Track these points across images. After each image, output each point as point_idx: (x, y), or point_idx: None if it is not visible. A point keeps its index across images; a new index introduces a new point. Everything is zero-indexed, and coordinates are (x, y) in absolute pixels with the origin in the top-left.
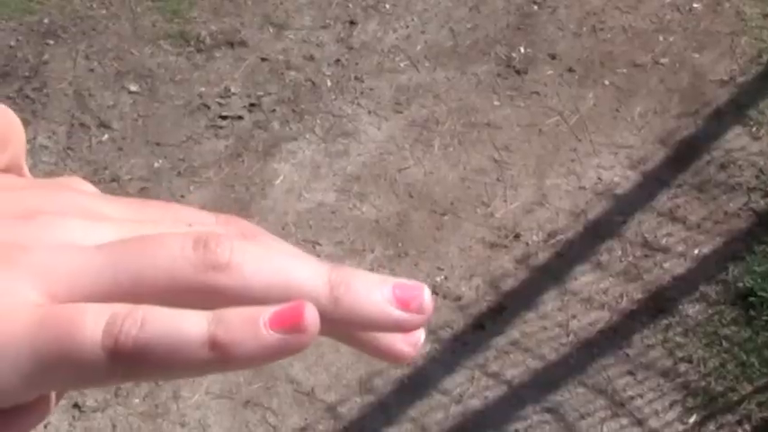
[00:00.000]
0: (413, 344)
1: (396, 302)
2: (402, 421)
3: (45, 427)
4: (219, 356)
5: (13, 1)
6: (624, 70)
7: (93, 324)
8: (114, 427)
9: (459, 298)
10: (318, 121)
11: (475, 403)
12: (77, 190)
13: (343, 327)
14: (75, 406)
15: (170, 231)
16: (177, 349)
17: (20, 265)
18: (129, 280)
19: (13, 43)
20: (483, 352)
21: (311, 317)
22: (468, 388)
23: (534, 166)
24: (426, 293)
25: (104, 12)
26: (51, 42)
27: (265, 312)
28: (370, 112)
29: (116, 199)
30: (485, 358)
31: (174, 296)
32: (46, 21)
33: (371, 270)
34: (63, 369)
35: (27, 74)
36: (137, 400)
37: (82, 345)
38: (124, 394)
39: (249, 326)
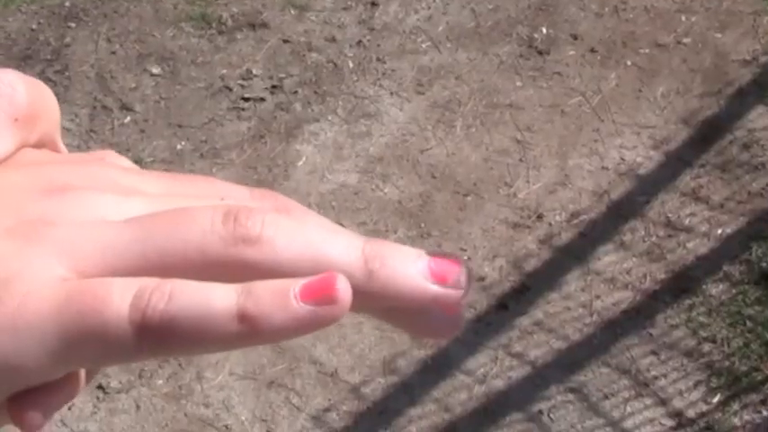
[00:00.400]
0: (452, 320)
1: (432, 276)
2: (425, 402)
3: (69, 408)
4: (249, 329)
5: None
6: (646, 50)
7: (119, 298)
8: (138, 408)
9: (482, 278)
10: (340, 102)
11: (498, 384)
12: (109, 163)
13: (378, 301)
14: (100, 387)
15: (201, 205)
16: (205, 323)
17: (47, 240)
18: (158, 254)
19: (34, 26)
20: (506, 332)
21: (343, 288)
22: (492, 368)
23: (557, 147)
24: (464, 267)
25: None
26: (73, 25)
27: (296, 284)
28: (392, 94)
29: (148, 173)
30: (508, 339)
31: (203, 270)
32: (67, 4)
33: None
34: (90, 345)
35: (49, 57)
36: (160, 381)
37: (108, 319)
38: (148, 375)
39: (279, 298)
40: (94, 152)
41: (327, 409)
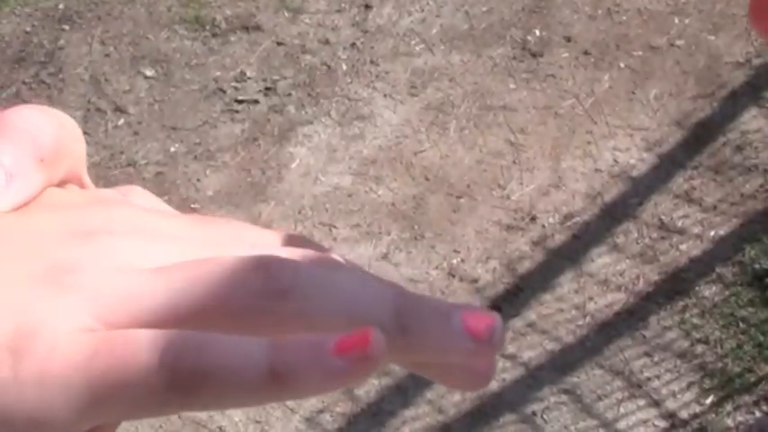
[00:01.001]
0: (484, 372)
1: (466, 332)
2: (419, 403)
3: None
4: (280, 385)
5: None
6: (640, 53)
7: (148, 352)
8: None
9: (475, 280)
10: (334, 104)
11: (492, 385)
12: (135, 205)
13: (410, 356)
14: None
15: (231, 254)
16: (236, 378)
17: (73, 288)
18: (187, 306)
19: (28, 29)
20: None
21: (377, 343)
22: None
23: (550, 149)
24: (498, 323)
25: None
26: (67, 28)
27: (329, 339)
28: (385, 96)
29: (177, 215)
30: None
31: (233, 322)
32: (61, 6)
33: (387, 254)
34: (117, 399)
35: (43, 59)
36: None
37: (137, 374)
38: None
39: (312, 354)
40: (119, 187)
41: (321, 411)
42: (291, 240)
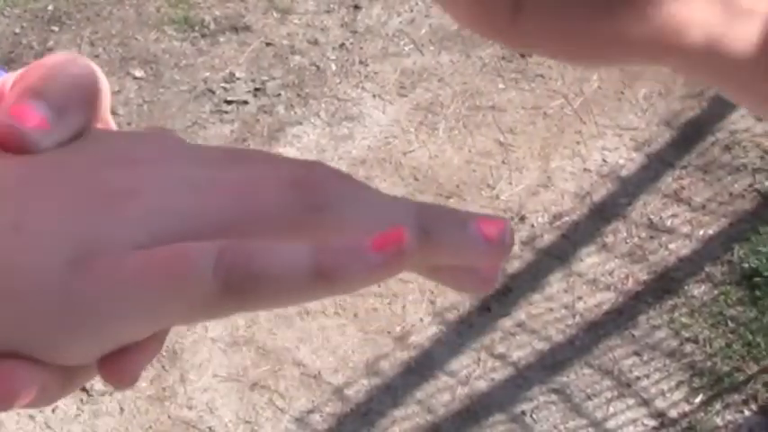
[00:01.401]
0: (492, 275)
1: (480, 236)
2: (409, 403)
3: (53, 410)
4: (326, 281)
5: None
6: None
7: (205, 260)
8: (122, 410)
9: None
10: (323, 105)
11: (481, 385)
12: (176, 138)
13: (431, 259)
14: (84, 390)
15: (271, 174)
16: (286, 279)
17: (128, 209)
18: (233, 220)
19: (17, 30)
20: (489, 334)
21: (410, 238)
22: (475, 370)
23: (539, 149)
24: (509, 228)
25: None
26: (56, 29)
27: (367, 238)
28: (374, 96)
29: (211, 147)
30: (491, 340)
31: (275, 234)
32: (50, 7)
33: None
34: (177, 306)
35: (32, 60)
36: (144, 384)
37: (195, 280)
38: None
39: (353, 251)
40: (149, 127)
41: (311, 411)
42: (320, 165)
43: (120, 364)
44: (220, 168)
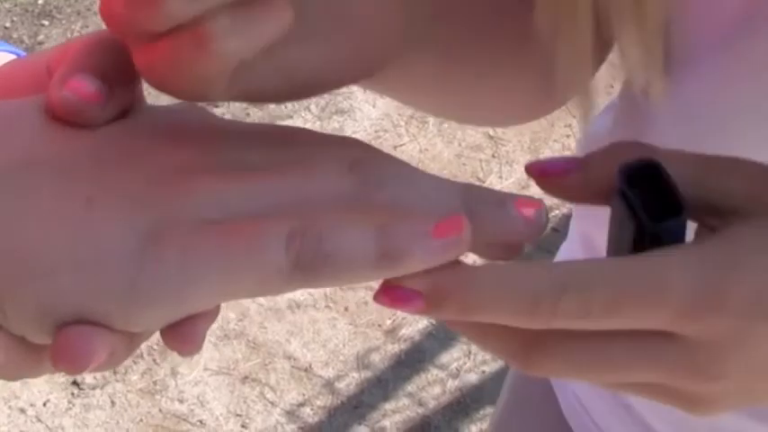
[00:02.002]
0: (519, 246)
1: (520, 216)
2: (399, 396)
3: (44, 404)
4: (389, 264)
5: None
6: (617, 46)
7: (278, 237)
8: (113, 403)
9: None
10: (313, 99)
11: (472, 377)
12: (215, 115)
13: (474, 236)
14: (74, 383)
15: (327, 155)
16: (352, 260)
17: (197, 185)
18: (296, 200)
19: (8, 24)
20: None
21: (467, 226)
22: (465, 363)
23: (529, 143)
24: (544, 208)
25: None
26: (46, 23)
27: (429, 224)
28: (364, 90)
29: (254, 124)
30: None
31: (337, 215)
32: (41, 1)
33: None
34: (248, 280)
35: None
36: (135, 377)
37: (269, 256)
38: (122, 371)
39: (415, 236)
40: (181, 103)
41: (302, 404)
42: (370, 145)
43: (185, 333)
44: (273, 148)
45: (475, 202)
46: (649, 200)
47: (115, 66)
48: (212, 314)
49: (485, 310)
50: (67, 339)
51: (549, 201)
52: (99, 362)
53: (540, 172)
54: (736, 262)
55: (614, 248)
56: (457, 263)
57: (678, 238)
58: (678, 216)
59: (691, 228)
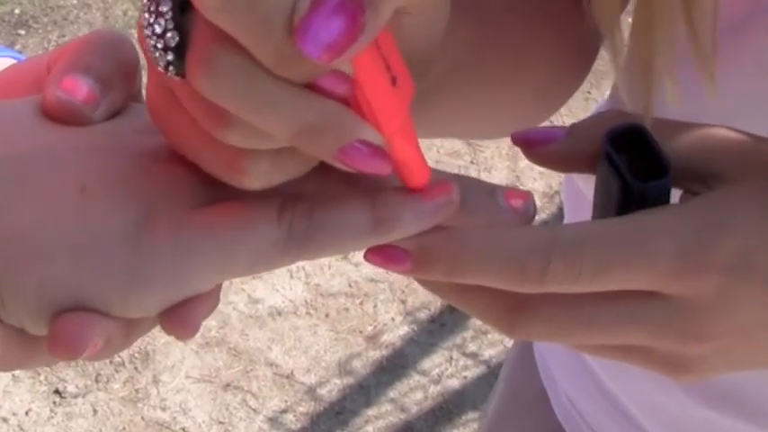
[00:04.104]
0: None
1: (508, 207)
2: (382, 402)
3: (26, 413)
4: (383, 229)
5: None
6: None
7: (269, 210)
8: (95, 412)
9: None
10: None
11: (454, 383)
12: None
13: (461, 222)
14: (56, 392)
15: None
16: (347, 227)
17: (187, 171)
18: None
19: None
20: (460, 332)
21: (456, 190)
22: (447, 368)
23: (507, 149)
24: (531, 199)
25: (75, 1)
26: (23, 33)
27: (419, 190)
28: None
29: None
30: (462, 339)
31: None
32: (17, 11)
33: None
34: (243, 255)
35: None
36: (117, 385)
37: (261, 229)
38: (104, 380)
39: (407, 199)
40: None
41: (284, 411)
42: None
43: (182, 316)
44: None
45: (466, 189)
46: (635, 163)
47: (112, 66)
48: (211, 300)
49: (472, 271)
50: (64, 325)
51: (539, 201)
52: (95, 348)
53: (526, 141)
54: (721, 223)
55: (600, 212)
56: (446, 228)
57: (663, 199)
58: (663, 177)
59: (675, 195)
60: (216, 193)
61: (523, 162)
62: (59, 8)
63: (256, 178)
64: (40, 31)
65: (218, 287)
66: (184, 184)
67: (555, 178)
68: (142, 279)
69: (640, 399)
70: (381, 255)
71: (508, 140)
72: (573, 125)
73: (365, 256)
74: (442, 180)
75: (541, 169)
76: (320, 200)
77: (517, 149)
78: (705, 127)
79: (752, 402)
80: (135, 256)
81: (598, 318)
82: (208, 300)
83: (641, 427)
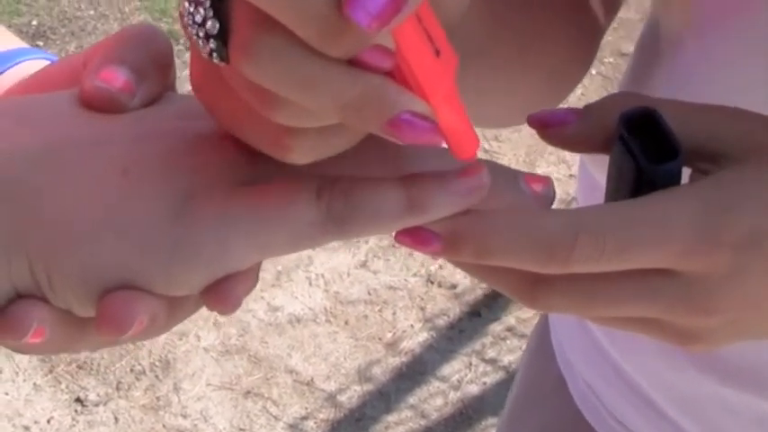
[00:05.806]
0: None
1: (530, 191)
2: (402, 408)
3: (48, 421)
4: (417, 210)
5: (0, 3)
6: (611, 60)
7: (308, 191)
8: (117, 420)
9: (454, 286)
10: None
11: (473, 389)
12: None
13: (484, 206)
14: (78, 400)
15: None
16: (382, 208)
17: (227, 152)
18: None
19: None
20: (479, 339)
21: (486, 173)
22: (467, 374)
23: (524, 156)
24: (551, 184)
25: (92, 12)
26: (41, 44)
27: (451, 172)
28: None
29: None
30: (481, 345)
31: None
32: (34, 23)
33: (366, 262)
34: (282, 234)
35: None
36: (138, 393)
37: (300, 209)
38: (126, 387)
39: (440, 184)
40: None
41: (305, 418)
42: None
43: (224, 291)
44: None
45: (490, 174)
46: (648, 146)
47: (146, 57)
48: (249, 279)
49: (501, 254)
50: (111, 303)
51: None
52: (141, 326)
53: (542, 122)
54: (732, 202)
55: (613, 193)
56: (474, 211)
57: (675, 180)
58: (675, 159)
59: (685, 174)
60: (256, 173)
61: (540, 169)
62: (77, 19)
63: (303, 154)
64: (57, 41)
65: (257, 266)
66: (225, 165)
67: (571, 185)
68: (185, 255)
69: (655, 379)
70: (411, 236)
71: (525, 148)
72: (586, 106)
73: (395, 237)
74: (474, 162)
75: (559, 175)
76: (357, 182)
77: (535, 156)
78: (712, 107)
79: (763, 377)
80: (178, 232)
81: (615, 294)
82: (247, 278)
83: (657, 407)
